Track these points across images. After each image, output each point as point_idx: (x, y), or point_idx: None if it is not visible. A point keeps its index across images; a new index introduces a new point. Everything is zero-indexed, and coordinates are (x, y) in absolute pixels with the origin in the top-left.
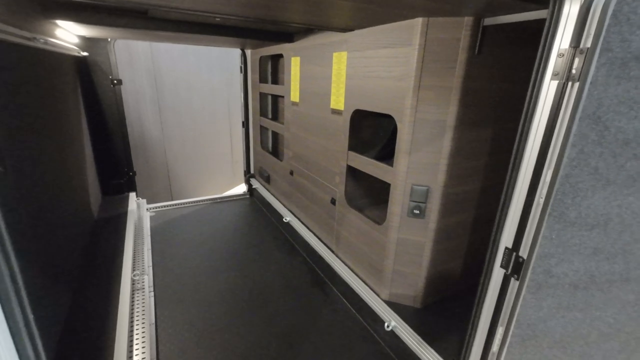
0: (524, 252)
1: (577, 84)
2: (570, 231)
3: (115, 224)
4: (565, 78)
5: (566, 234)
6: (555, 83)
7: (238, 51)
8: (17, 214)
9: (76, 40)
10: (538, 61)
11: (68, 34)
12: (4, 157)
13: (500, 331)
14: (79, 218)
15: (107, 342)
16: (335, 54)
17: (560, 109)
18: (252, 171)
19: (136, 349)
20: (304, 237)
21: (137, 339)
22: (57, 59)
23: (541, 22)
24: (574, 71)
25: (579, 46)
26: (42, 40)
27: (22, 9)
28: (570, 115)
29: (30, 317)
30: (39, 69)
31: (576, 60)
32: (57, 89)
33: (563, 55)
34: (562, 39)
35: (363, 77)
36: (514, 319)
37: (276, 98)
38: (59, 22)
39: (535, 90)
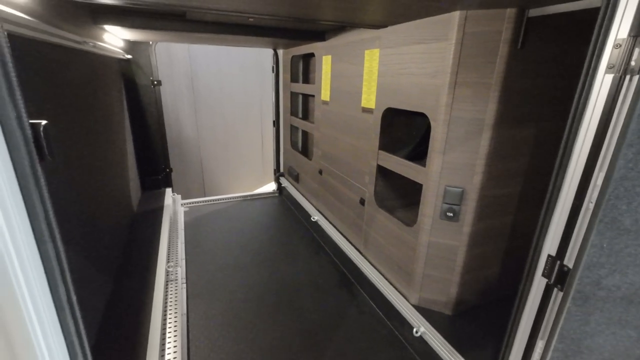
0: (569, 261)
1: (636, 77)
2: (624, 240)
3: (152, 217)
4: (622, 71)
5: (619, 242)
6: (610, 76)
7: (270, 51)
8: (66, 204)
9: (121, 44)
10: (591, 53)
11: (114, 38)
12: (55, 147)
13: (540, 344)
14: (122, 211)
15: (142, 329)
16: (367, 52)
17: (615, 105)
18: (281, 170)
19: (169, 338)
20: (331, 237)
21: (169, 328)
22: (105, 61)
23: (593, 11)
24: (632, 63)
25: (639, 36)
26: (91, 44)
27: (74, 16)
28: (628, 112)
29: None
30: (89, 70)
31: (636, 51)
32: (105, 89)
33: (620, 45)
34: (620, 28)
35: (396, 74)
36: (557, 332)
37: (307, 97)
38: (107, 27)
39: (586, 84)
